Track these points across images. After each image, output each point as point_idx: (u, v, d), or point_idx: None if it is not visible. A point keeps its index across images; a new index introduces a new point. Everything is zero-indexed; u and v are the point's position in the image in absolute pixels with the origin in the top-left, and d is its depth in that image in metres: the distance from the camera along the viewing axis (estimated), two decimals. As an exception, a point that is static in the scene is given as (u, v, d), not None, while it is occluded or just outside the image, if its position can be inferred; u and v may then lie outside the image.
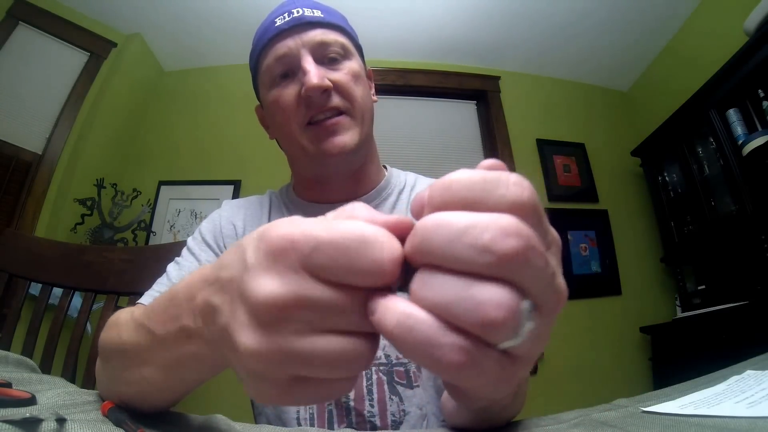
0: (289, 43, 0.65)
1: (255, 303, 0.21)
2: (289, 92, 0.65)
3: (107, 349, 0.44)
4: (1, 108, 2.16)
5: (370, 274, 0.20)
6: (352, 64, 0.68)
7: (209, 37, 2.70)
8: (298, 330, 0.20)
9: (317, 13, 0.67)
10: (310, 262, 0.20)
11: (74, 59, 2.47)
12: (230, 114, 2.75)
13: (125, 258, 1.00)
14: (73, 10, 2.44)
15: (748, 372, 0.49)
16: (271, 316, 0.20)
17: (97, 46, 2.54)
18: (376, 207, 0.74)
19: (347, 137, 0.65)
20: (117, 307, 0.96)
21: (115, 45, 2.62)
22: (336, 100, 0.65)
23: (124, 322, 0.42)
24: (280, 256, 0.21)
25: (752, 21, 1.98)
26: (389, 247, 0.20)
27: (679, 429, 0.35)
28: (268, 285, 0.20)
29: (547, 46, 2.88)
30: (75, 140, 2.39)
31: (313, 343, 0.20)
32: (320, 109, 0.64)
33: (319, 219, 0.22)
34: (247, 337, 0.21)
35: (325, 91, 0.63)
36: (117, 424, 0.36)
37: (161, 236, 2.59)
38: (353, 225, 0.20)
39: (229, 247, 0.27)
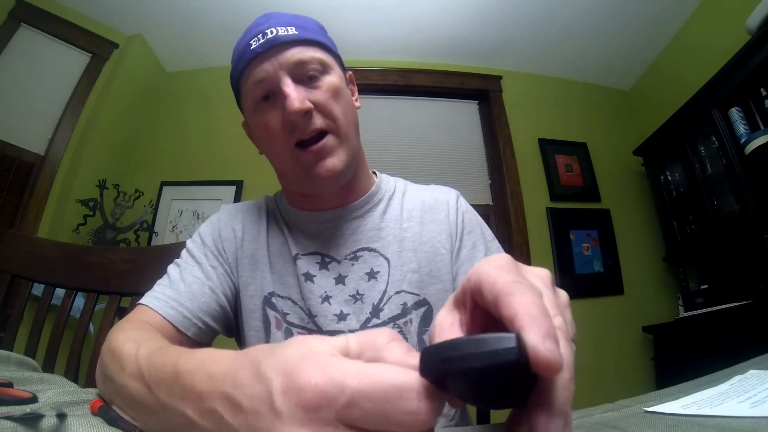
0: (266, 67, 0.64)
1: None
2: (272, 117, 0.66)
3: (109, 377, 0.44)
4: (4, 109, 2.16)
5: (409, 424, 0.20)
6: (332, 79, 0.68)
7: (211, 37, 2.70)
8: None
9: (291, 31, 0.66)
10: (347, 415, 0.20)
11: (76, 60, 2.48)
12: (232, 114, 2.74)
13: (127, 259, 1.00)
14: (74, 12, 2.45)
15: (751, 372, 0.49)
16: None
17: (98, 47, 2.55)
18: (367, 212, 0.75)
19: (335, 159, 0.66)
20: (120, 308, 0.96)
21: (116, 46, 2.63)
22: (319, 122, 0.65)
23: (127, 358, 0.42)
24: (315, 412, 0.21)
25: (754, 19, 1.97)
26: (426, 396, 0.20)
27: (681, 429, 0.34)
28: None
29: (548, 46, 2.87)
30: (77, 141, 2.39)
31: None
32: (305, 132, 0.64)
33: (347, 350, 0.24)
34: None
35: (306, 113, 0.63)
36: (111, 423, 0.36)
37: (163, 237, 2.59)
38: (387, 374, 0.21)
39: (243, 362, 0.26)
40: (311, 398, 0.21)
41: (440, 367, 0.21)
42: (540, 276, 0.28)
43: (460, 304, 0.28)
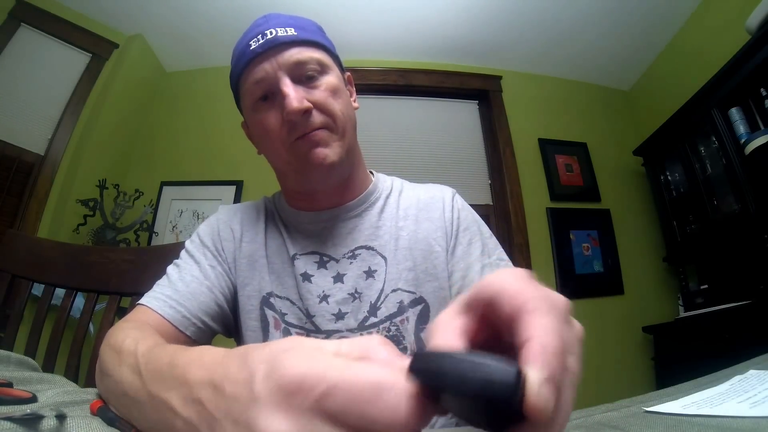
0: (266, 67, 0.65)
1: None
2: (272, 116, 0.66)
3: (106, 372, 0.45)
4: (4, 109, 2.16)
5: (385, 422, 0.19)
6: (330, 79, 0.69)
7: (211, 37, 2.70)
8: None
9: (291, 32, 0.66)
10: (323, 405, 0.20)
11: (76, 60, 2.48)
12: (232, 114, 2.73)
13: (127, 258, 1.00)
14: (74, 12, 2.45)
15: (751, 372, 0.49)
16: None
17: (98, 47, 2.55)
18: (364, 211, 0.76)
19: (330, 150, 0.66)
20: (119, 308, 0.96)
21: (116, 46, 2.62)
22: (318, 119, 0.66)
23: (126, 353, 0.42)
24: (293, 397, 0.20)
25: (754, 19, 1.97)
26: (407, 396, 0.20)
27: (681, 429, 0.34)
28: (277, 425, 0.20)
29: (548, 46, 2.87)
30: (77, 141, 2.39)
31: None
32: (304, 131, 0.65)
33: (338, 351, 0.23)
34: None
35: (305, 113, 0.64)
36: (109, 423, 0.36)
37: (163, 237, 2.59)
38: (370, 370, 0.20)
39: (235, 354, 0.26)
40: (290, 383, 0.21)
41: (431, 376, 0.20)
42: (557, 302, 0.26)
43: (466, 309, 0.27)
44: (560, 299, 0.26)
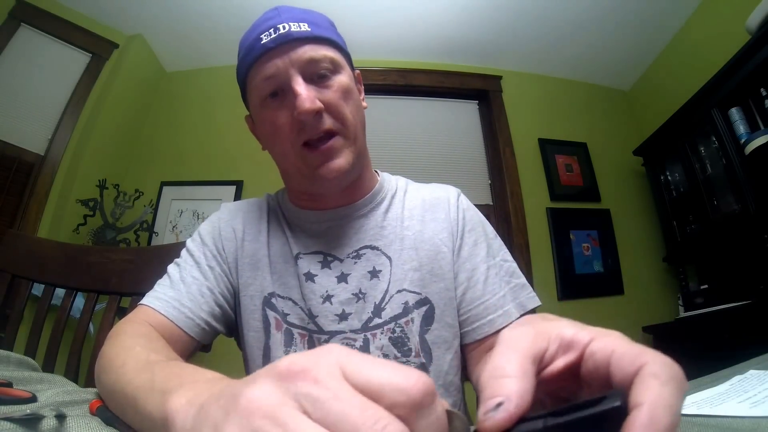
0: (277, 63, 0.63)
1: (283, 363, 0.21)
2: (281, 115, 0.64)
3: (107, 370, 0.45)
4: (4, 109, 2.16)
5: (398, 381, 0.19)
6: (342, 78, 0.67)
7: (211, 37, 2.70)
8: (300, 403, 0.19)
9: (304, 27, 0.64)
10: (346, 361, 0.21)
11: (76, 60, 2.48)
12: (232, 114, 2.75)
13: (127, 259, 1.00)
14: (74, 11, 2.45)
15: (751, 372, 0.49)
16: (290, 372, 0.20)
17: (98, 47, 2.55)
18: (370, 211, 0.75)
19: (342, 160, 0.65)
20: (119, 308, 0.96)
21: (116, 46, 2.62)
22: (328, 122, 0.64)
23: (135, 357, 0.42)
24: (323, 350, 0.22)
25: (754, 19, 1.97)
26: (422, 375, 0.20)
27: (681, 429, 0.34)
28: (300, 359, 0.21)
29: (549, 46, 2.87)
30: (77, 141, 2.39)
31: (300, 423, 0.19)
32: (313, 132, 0.63)
33: None
34: (261, 384, 0.21)
35: (317, 113, 0.62)
36: (108, 423, 0.36)
37: (163, 237, 2.59)
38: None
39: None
40: (326, 346, 0.22)
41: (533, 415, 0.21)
42: None
43: (532, 361, 0.25)
44: (679, 369, 0.23)
